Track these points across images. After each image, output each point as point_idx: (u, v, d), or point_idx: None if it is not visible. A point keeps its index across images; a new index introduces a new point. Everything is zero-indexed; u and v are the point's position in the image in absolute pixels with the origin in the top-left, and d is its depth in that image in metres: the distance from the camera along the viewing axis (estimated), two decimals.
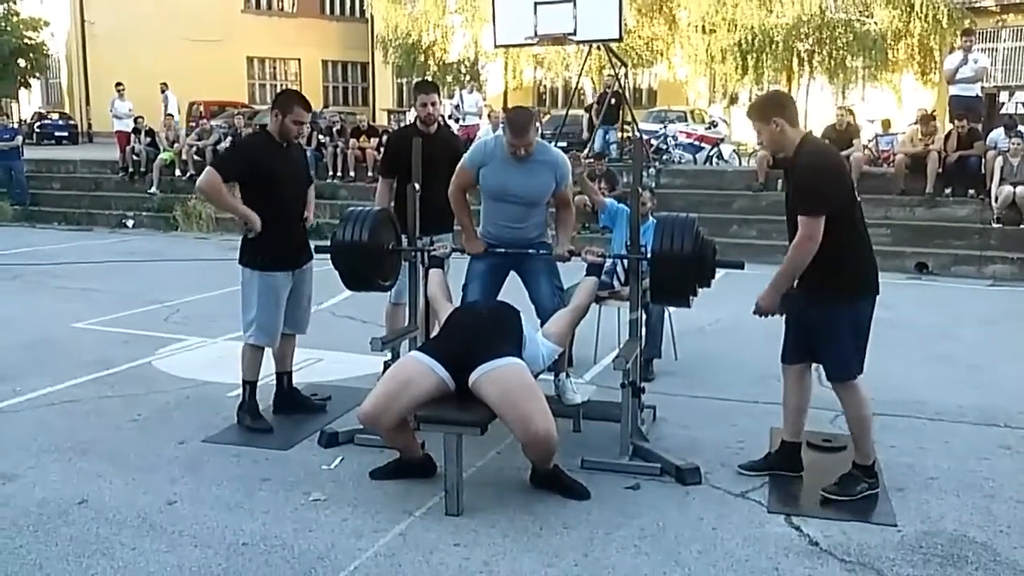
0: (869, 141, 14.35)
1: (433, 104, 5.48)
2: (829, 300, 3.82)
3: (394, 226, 4.84)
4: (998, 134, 11.37)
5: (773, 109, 3.86)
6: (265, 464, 4.32)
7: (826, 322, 3.85)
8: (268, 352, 4.92)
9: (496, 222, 4.77)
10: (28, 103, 33.25)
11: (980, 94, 12.43)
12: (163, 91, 20.52)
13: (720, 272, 4.33)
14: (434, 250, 4.69)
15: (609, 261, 5.96)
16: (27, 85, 31.39)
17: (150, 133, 16.90)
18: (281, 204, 4.73)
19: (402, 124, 13.96)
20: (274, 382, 5.12)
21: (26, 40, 29.52)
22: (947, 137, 11.79)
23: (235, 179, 4.72)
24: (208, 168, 4.72)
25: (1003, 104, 15.33)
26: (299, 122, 4.76)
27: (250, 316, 4.78)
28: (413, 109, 5.79)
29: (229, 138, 15.93)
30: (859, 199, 3.91)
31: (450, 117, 18.13)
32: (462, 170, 4.77)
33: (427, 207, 4.80)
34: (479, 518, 3.70)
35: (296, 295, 4.92)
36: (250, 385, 4.83)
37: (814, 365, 4.13)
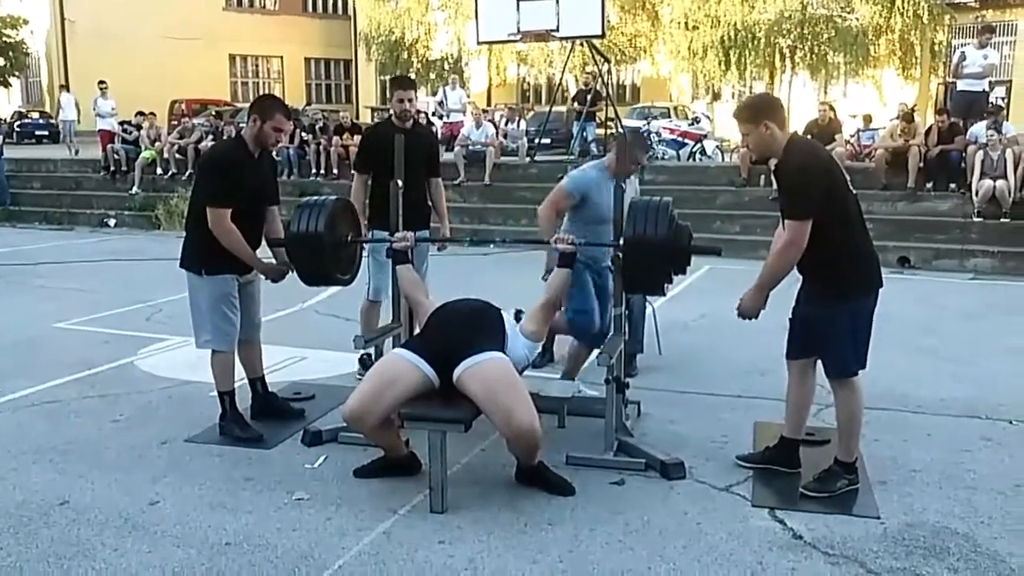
0: (851, 136, 14.43)
1: (410, 100, 5.47)
2: (829, 297, 3.81)
3: (352, 216, 4.72)
4: (979, 128, 11.45)
5: (765, 112, 3.81)
6: (248, 463, 4.30)
7: (826, 319, 3.84)
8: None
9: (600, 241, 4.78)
10: (8, 102, 32.99)
11: (987, 89, 12.56)
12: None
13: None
14: (395, 242, 4.53)
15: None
16: (6, 84, 31.17)
17: (139, 128, 16.80)
18: (238, 216, 4.44)
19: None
20: (249, 388, 4.98)
21: (5, 38, 29.30)
22: (928, 132, 11.88)
23: (235, 203, 4.43)
24: (209, 210, 4.38)
25: None
26: (279, 129, 4.52)
27: (204, 322, 4.58)
28: (391, 104, 5.73)
29: (211, 136, 15.86)
30: (854, 192, 3.89)
31: (434, 114, 18.12)
32: (564, 194, 4.92)
33: (404, 204, 4.78)
34: (464, 515, 3.69)
35: (245, 298, 4.71)
36: (228, 396, 4.68)
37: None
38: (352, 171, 5.96)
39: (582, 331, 5.07)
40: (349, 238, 4.63)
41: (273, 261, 4.73)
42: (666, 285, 4.23)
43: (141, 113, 17.20)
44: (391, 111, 5.63)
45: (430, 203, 5.80)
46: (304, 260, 4.43)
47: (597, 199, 4.81)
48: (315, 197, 4.56)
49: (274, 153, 5.15)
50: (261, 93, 33.95)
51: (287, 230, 4.46)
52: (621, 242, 4.13)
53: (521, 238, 4.71)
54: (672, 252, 4.03)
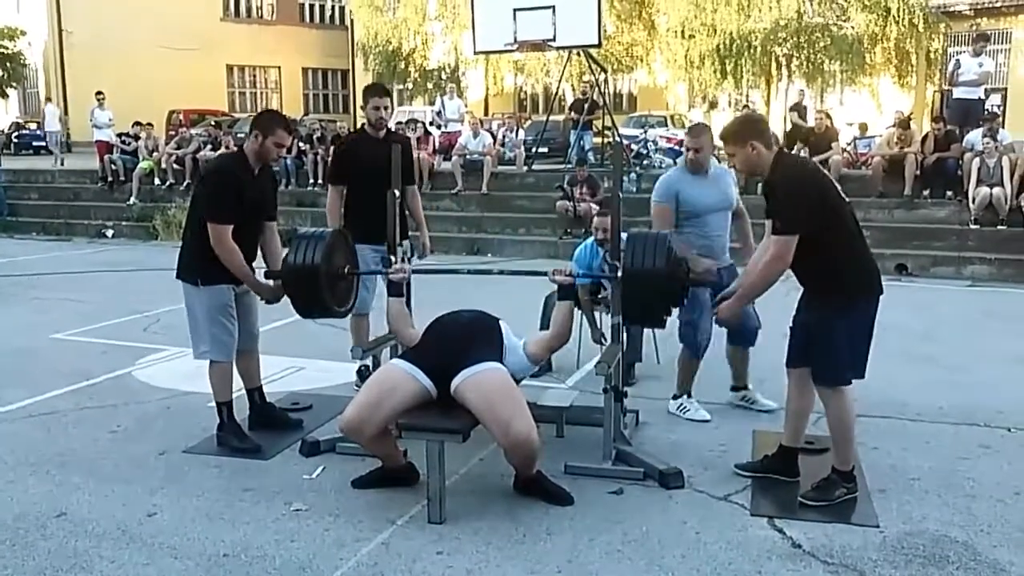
0: (847, 144, 14.46)
1: (386, 108, 5.41)
2: (829, 306, 3.81)
3: (348, 247, 4.68)
4: (975, 136, 11.48)
5: (751, 132, 3.86)
6: (246, 474, 4.29)
7: (822, 326, 3.83)
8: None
9: (707, 234, 5.00)
10: (5, 113, 32.99)
11: (983, 97, 12.60)
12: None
13: None
14: (391, 274, 4.45)
15: (596, 262, 6.01)
16: (4, 95, 31.15)
17: (137, 138, 16.80)
18: (235, 229, 4.45)
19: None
20: (246, 398, 4.96)
21: (2, 49, 29.29)
22: (924, 139, 11.91)
23: (237, 221, 4.45)
24: (210, 226, 4.37)
25: None
26: (280, 145, 4.53)
27: (202, 333, 4.57)
28: (366, 112, 5.54)
29: (209, 146, 15.88)
30: (847, 201, 3.90)
31: (431, 123, 18.13)
32: (659, 208, 5.01)
33: (380, 215, 4.72)
34: (462, 526, 3.68)
35: (243, 309, 4.70)
36: (226, 406, 4.67)
37: None
38: (327, 184, 5.83)
39: (687, 342, 5.14)
40: (346, 270, 4.59)
41: (270, 282, 4.70)
42: (664, 318, 4.23)
43: (138, 123, 17.21)
44: (365, 119, 5.51)
45: (407, 212, 5.68)
46: (301, 292, 4.39)
47: (686, 196, 4.96)
48: (312, 229, 4.52)
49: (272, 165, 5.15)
50: (259, 103, 33.82)
51: (284, 262, 4.42)
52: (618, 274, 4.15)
53: (519, 268, 4.69)
54: (669, 285, 4.03)
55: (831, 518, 3.75)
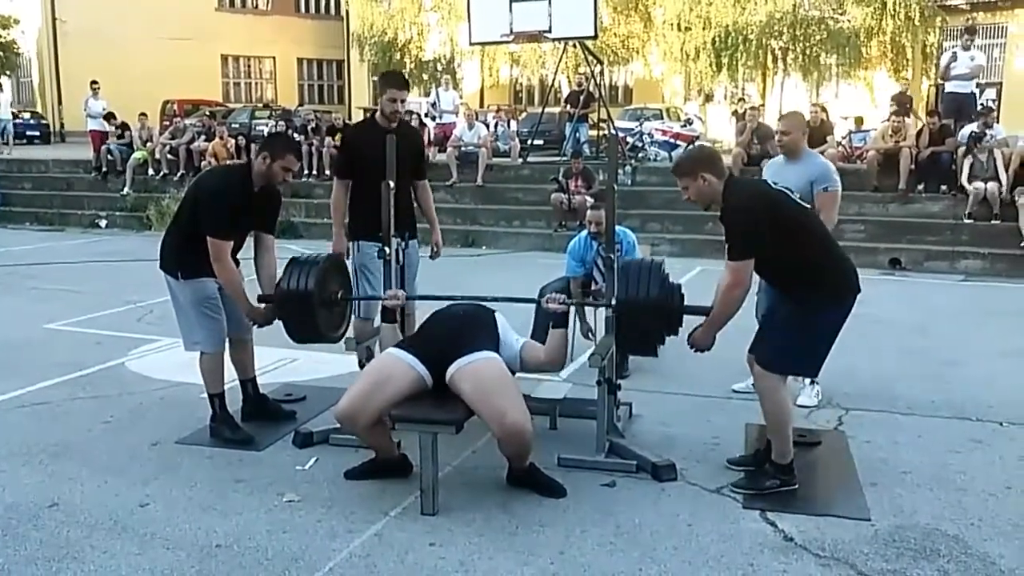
0: (843, 138, 14.47)
1: (403, 101, 5.21)
2: (804, 303, 3.84)
3: (343, 273, 4.66)
4: (969, 130, 11.49)
5: (700, 165, 3.89)
6: (239, 465, 4.29)
7: (790, 317, 3.88)
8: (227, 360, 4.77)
9: None
10: None
11: (975, 91, 12.60)
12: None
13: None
14: (386, 300, 4.41)
15: (590, 255, 6.04)
16: None
17: (125, 127, 16.70)
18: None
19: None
20: (239, 390, 4.97)
21: None
22: (919, 133, 11.92)
23: (235, 235, 4.49)
24: (211, 241, 4.34)
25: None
26: (288, 170, 4.51)
27: (189, 325, 4.58)
28: (379, 101, 5.32)
29: (203, 136, 15.84)
30: (807, 208, 3.94)
31: (426, 115, 18.09)
32: None
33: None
34: (455, 517, 3.69)
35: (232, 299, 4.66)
36: (218, 397, 4.67)
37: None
38: (333, 175, 5.64)
39: None
40: (339, 296, 4.56)
41: (262, 306, 4.62)
42: (658, 347, 4.21)
43: (112, 115, 16.95)
44: (379, 109, 5.30)
45: (415, 207, 5.49)
46: (293, 318, 4.38)
47: (778, 180, 4.78)
48: (306, 254, 4.48)
49: None
50: (253, 94, 33.34)
51: (277, 287, 4.41)
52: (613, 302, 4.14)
53: (510, 296, 4.65)
54: (664, 313, 4.03)
55: (823, 511, 3.76)
